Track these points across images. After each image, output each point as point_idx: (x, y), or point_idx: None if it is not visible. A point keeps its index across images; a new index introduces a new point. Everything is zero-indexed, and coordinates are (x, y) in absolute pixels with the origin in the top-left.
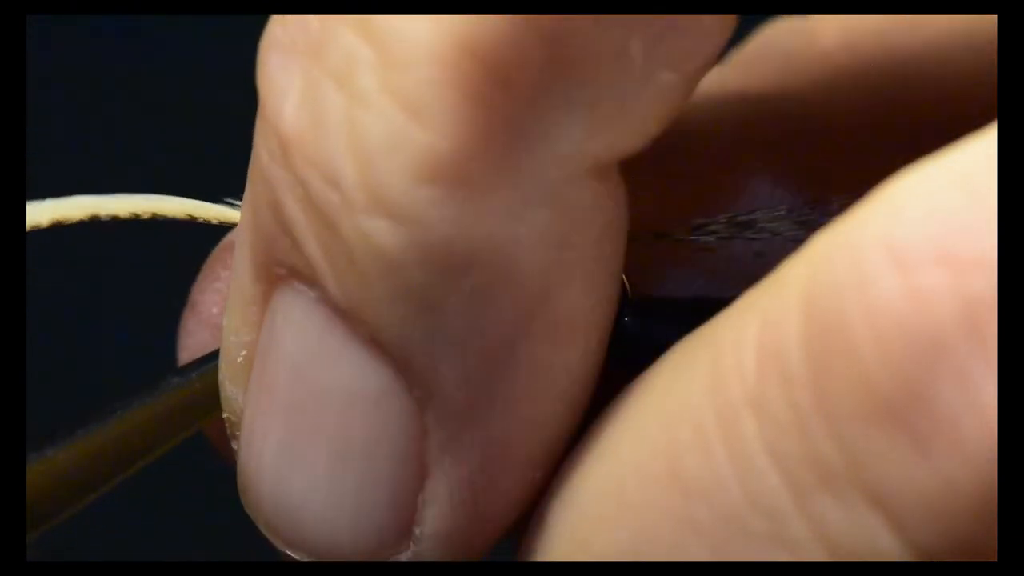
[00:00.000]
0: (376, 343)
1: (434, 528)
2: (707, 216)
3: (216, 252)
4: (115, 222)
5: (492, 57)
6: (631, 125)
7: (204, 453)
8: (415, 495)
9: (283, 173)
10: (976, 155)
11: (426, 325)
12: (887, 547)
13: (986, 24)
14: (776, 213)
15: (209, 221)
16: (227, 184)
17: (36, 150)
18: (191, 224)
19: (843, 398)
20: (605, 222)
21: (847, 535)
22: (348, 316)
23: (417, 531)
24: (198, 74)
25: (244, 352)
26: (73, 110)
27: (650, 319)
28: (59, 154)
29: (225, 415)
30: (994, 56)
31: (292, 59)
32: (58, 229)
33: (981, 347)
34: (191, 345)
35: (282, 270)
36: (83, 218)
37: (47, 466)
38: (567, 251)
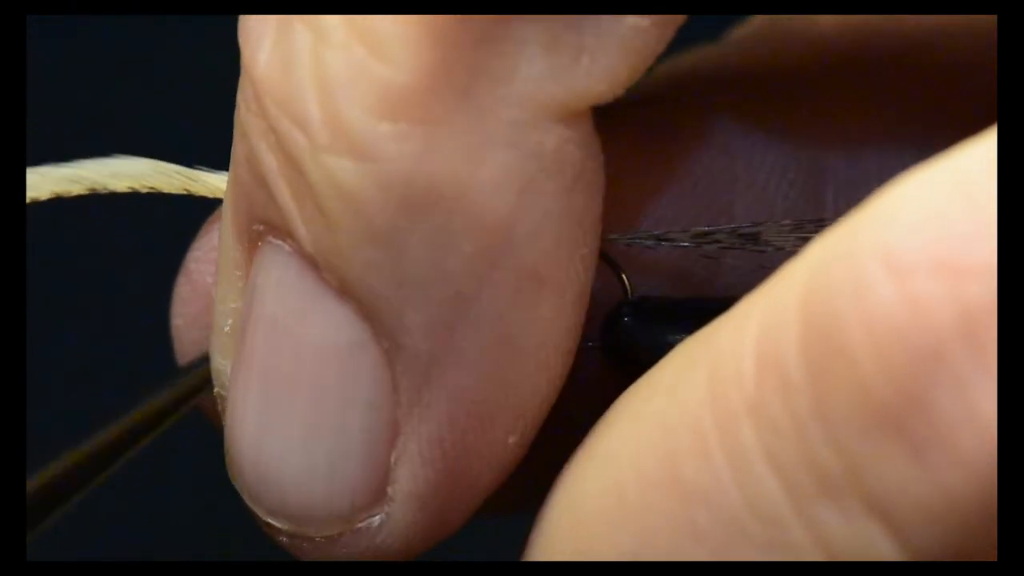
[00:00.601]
0: (345, 291)
1: (406, 488)
2: (710, 223)
3: (211, 219)
4: (113, 195)
5: None
6: (598, 70)
7: (205, 452)
8: (387, 453)
9: (257, 121)
10: (974, 161)
11: (391, 269)
12: (886, 554)
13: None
14: (781, 227)
15: (206, 196)
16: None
17: (36, 149)
18: (188, 198)
19: (841, 405)
20: (575, 172)
21: (846, 542)
22: (319, 264)
23: (390, 491)
24: (200, 70)
25: (231, 321)
26: (73, 108)
27: (650, 319)
28: (59, 152)
29: (216, 390)
30: (992, 40)
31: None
32: (57, 202)
33: (979, 355)
34: (185, 313)
35: (260, 226)
36: (82, 192)
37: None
38: (534, 197)
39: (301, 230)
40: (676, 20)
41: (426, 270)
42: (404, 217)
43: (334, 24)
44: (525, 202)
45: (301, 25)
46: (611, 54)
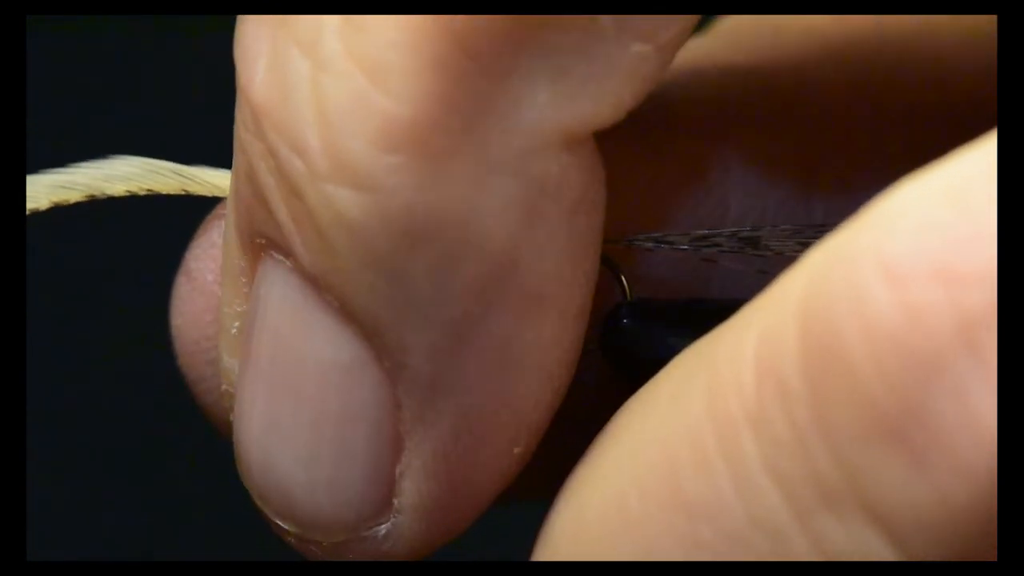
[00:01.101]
0: (346, 312)
1: (411, 500)
2: (707, 220)
3: (210, 218)
4: (111, 200)
5: (457, 22)
6: (603, 97)
7: (206, 451)
8: (392, 466)
9: (256, 142)
10: (974, 166)
11: (393, 294)
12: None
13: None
14: (780, 231)
15: (204, 195)
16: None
17: (35, 149)
18: (186, 198)
19: (841, 414)
20: (578, 195)
21: (848, 552)
22: (319, 285)
23: (396, 502)
24: (200, 68)
25: (237, 323)
26: (73, 109)
27: (649, 321)
28: (59, 153)
29: (224, 387)
30: (988, 34)
31: (262, 27)
32: (57, 210)
33: (978, 361)
34: (185, 311)
35: (262, 240)
36: (80, 199)
37: None
38: (536, 223)
39: (301, 251)
40: (678, 43)
41: (428, 295)
42: (405, 245)
43: (333, 50)
44: (528, 228)
45: (297, 50)
46: (616, 81)
